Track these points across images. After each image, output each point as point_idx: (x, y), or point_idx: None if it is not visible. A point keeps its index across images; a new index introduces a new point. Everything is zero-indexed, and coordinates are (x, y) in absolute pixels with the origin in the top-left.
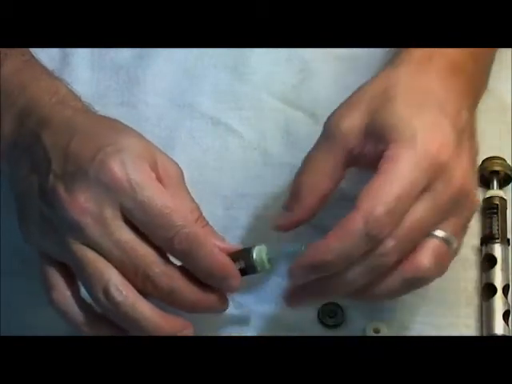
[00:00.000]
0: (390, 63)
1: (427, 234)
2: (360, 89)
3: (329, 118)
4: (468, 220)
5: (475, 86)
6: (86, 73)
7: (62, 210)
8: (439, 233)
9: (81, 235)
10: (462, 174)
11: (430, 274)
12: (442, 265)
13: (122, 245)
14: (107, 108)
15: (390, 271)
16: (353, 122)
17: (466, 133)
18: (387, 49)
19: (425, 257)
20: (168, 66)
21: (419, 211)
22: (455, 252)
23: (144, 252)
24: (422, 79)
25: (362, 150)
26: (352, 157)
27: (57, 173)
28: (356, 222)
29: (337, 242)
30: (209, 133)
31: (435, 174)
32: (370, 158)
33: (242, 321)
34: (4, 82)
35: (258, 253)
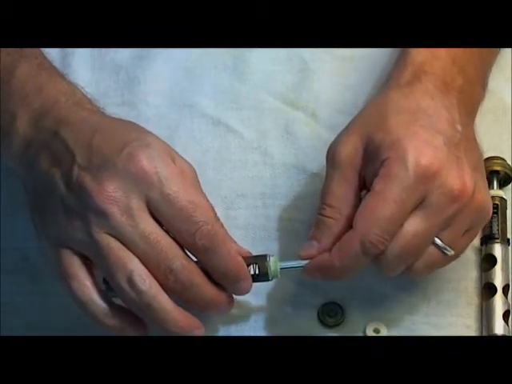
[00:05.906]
0: (381, 88)
1: (429, 243)
2: (356, 116)
3: (331, 147)
4: (473, 225)
5: (467, 101)
6: (86, 73)
7: (88, 199)
8: (437, 241)
9: (106, 224)
10: (460, 182)
11: (416, 275)
12: (431, 269)
13: (146, 236)
14: (107, 108)
15: None
16: (354, 146)
17: (462, 145)
18: (386, 49)
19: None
20: (168, 66)
21: (416, 224)
22: (456, 255)
23: (167, 244)
24: (413, 99)
25: (365, 171)
26: (361, 178)
27: (82, 165)
28: (353, 244)
29: (338, 261)
30: (209, 133)
31: (428, 187)
32: (370, 179)
33: (242, 321)
34: (20, 83)
35: (274, 263)
